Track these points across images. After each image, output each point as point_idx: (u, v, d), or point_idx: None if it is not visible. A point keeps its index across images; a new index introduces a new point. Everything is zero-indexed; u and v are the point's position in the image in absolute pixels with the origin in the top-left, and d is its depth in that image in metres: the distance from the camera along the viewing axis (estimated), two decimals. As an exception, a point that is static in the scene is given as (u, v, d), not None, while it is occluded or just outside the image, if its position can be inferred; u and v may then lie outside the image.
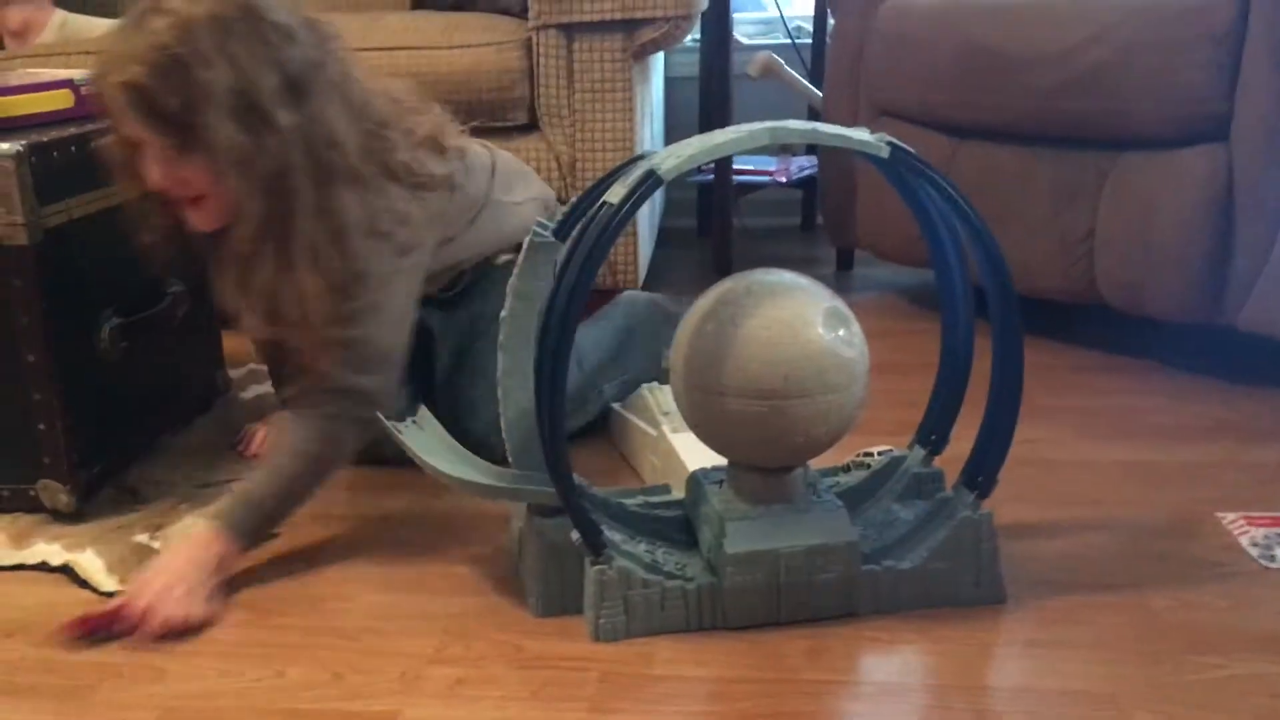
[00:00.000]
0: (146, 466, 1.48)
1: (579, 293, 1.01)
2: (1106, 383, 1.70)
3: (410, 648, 1.09)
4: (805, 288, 1.09)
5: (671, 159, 1.02)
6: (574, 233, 1.05)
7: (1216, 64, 1.55)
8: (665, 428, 1.39)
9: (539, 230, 1.09)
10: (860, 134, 1.04)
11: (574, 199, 1.10)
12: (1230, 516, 1.28)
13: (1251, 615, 1.09)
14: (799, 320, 1.06)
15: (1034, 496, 1.33)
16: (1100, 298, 1.74)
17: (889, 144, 1.03)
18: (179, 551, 1.18)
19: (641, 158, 1.05)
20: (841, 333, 1.07)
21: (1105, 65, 1.64)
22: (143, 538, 1.29)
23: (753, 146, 1.04)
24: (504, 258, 1.51)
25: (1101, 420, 1.56)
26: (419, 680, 1.03)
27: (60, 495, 1.32)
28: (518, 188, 1.53)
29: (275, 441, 1.33)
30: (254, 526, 1.22)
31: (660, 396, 1.47)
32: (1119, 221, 1.68)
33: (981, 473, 1.12)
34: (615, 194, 1.01)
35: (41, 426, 1.29)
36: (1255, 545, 1.22)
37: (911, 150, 1.04)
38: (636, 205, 1.00)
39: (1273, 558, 1.19)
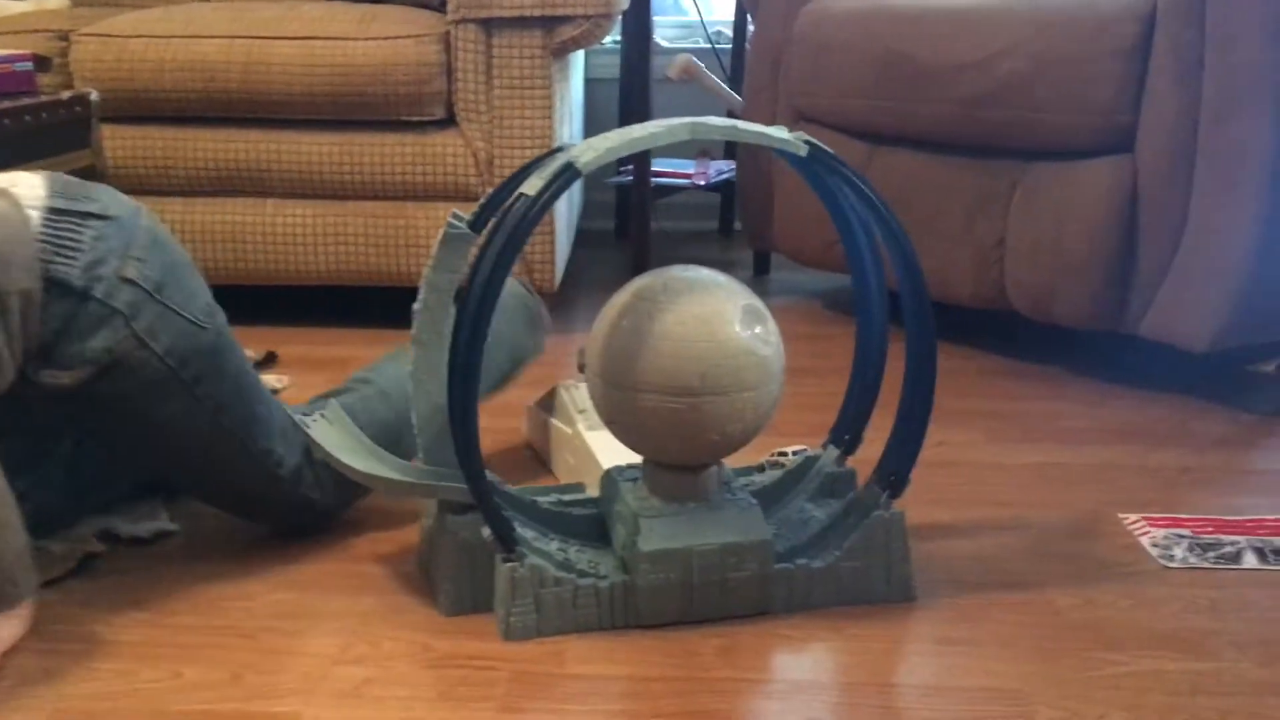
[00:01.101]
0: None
1: (494, 285, 0.99)
2: (1016, 388, 1.73)
3: (314, 647, 1.06)
4: (722, 285, 1.09)
5: (590, 152, 1.01)
6: (489, 225, 1.04)
7: (1123, 77, 1.59)
8: (580, 425, 1.38)
9: (453, 222, 1.07)
10: (779, 132, 1.04)
11: (489, 191, 1.08)
12: (1132, 518, 1.31)
13: (1152, 614, 1.11)
14: (716, 317, 1.06)
15: (944, 498, 1.35)
16: (1010, 304, 1.77)
17: (807, 143, 1.03)
18: None
19: (559, 150, 1.04)
20: (758, 330, 1.07)
21: (1018, 76, 1.67)
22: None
23: (671, 141, 1.03)
24: None
25: (1011, 424, 1.59)
26: (323, 680, 1.01)
27: None
28: None
29: None
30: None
31: (576, 394, 1.45)
32: (1029, 230, 1.72)
33: (893, 472, 1.13)
34: (532, 186, 1.00)
35: None
36: (1155, 545, 1.24)
37: (829, 150, 1.04)
38: (554, 197, 0.99)
39: (1171, 557, 1.22)
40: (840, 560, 1.11)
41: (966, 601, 1.13)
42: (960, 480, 1.40)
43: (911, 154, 1.86)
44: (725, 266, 1.12)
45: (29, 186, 1.03)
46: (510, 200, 1.02)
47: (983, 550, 1.24)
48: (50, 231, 1.00)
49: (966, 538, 1.26)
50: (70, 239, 1.01)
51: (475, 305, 0.99)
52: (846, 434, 1.24)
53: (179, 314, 1.06)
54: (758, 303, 1.09)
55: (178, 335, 1.06)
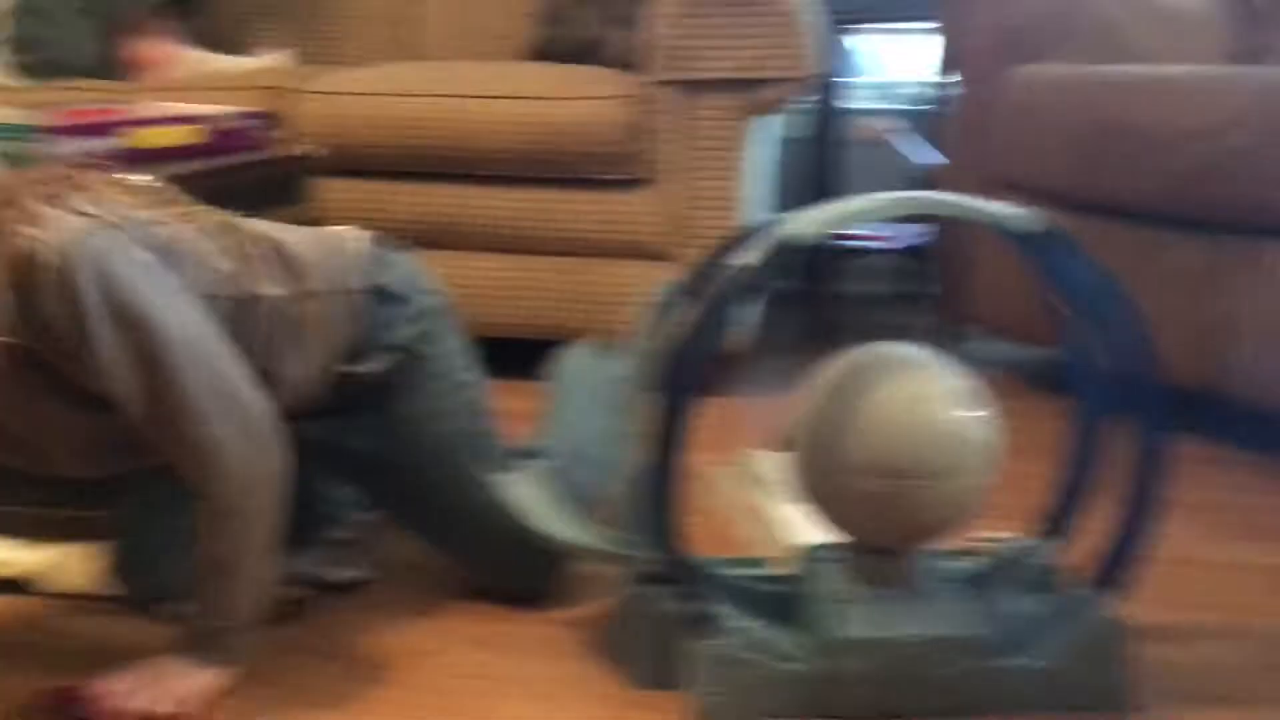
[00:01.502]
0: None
1: (701, 354, 0.97)
2: (1234, 479, 1.62)
3: (506, 711, 1.05)
4: (937, 364, 1.05)
5: (809, 224, 0.98)
6: (705, 294, 1.02)
7: (1367, 152, 1.48)
8: (765, 498, 1.35)
9: (665, 289, 1.06)
10: (1010, 210, 1.00)
11: (704, 259, 1.07)
12: (1375, 635, 1.20)
13: None
14: (929, 398, 1.02)
15: (1164, 599, 1.25)
16: (1232, 388, 1.66)
17: (1042, 221, 0.99)
18: (176, 674, 1.03)
19: (777, 221, 1.02)
20: (973, 413, 1.03)
21: (1244, 150, 1.58)
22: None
23: (892, 215, 1.00)
24: None
25: (1232, 519, 1.49)
26: (515, 748, 1.00)
27: None
28: None
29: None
30: (238, 641, 1.05)
31: (762, 464, 1.42)
32: (1255, 312, 1.61)
33: (1116, 570, 1.06)
34: (750, 257, 0.98)
35: None
36: (1407, 669, 1.13)
37: (1064, 229, 0.99)
38: (771, 270, 0.97)
39: None
40: (1054, 663, 1.05)
41: (1190, 716, 1.05)
42: (1179, 579, 1.31)
43: (1123, 227, 1.77)
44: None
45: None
46: (729, 270, 1.00)
47: (1207, 660, 1.15)
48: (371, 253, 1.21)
49: (1189, 645, 1.17)
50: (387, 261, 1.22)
51: (684, 373, 0.98)
52: (1057, 524, 1.17)
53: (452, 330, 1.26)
54: (973, 384, 1.05)
55: (451, 341, 1.25)
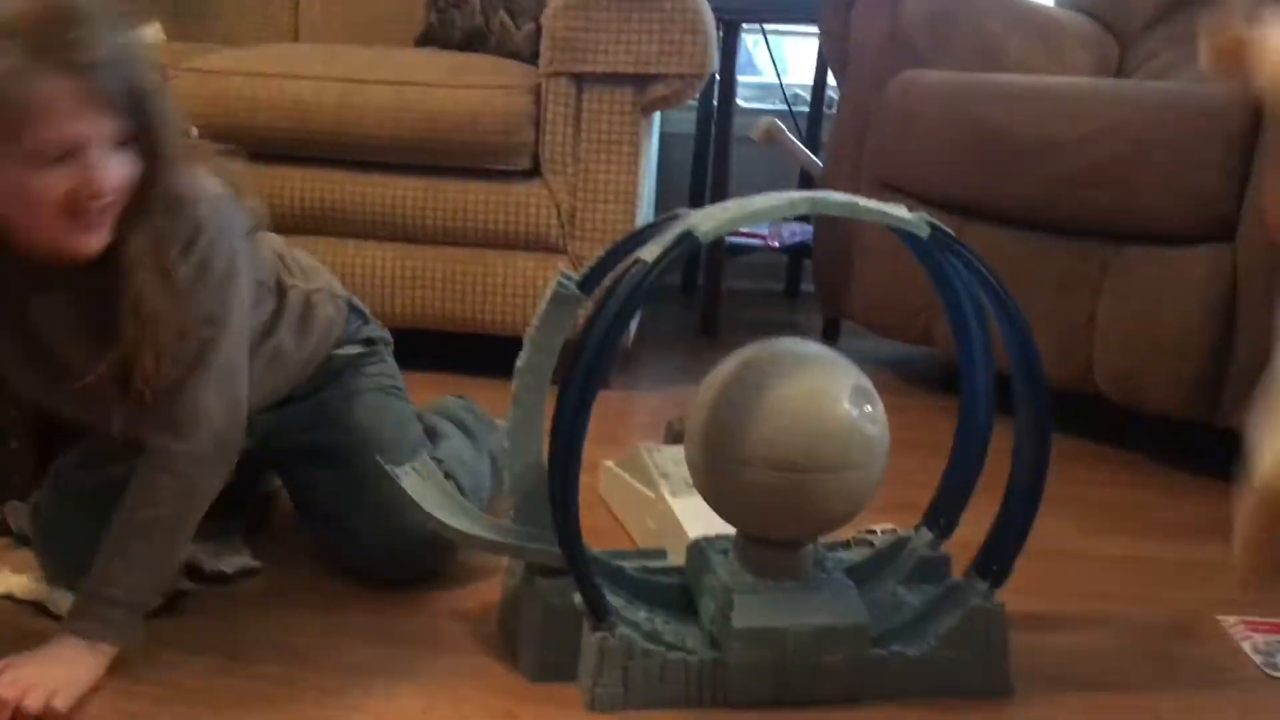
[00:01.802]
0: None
1: (607, 348, 0.98)
2: (1101, 474, 1.69)
3: (395, 706, 1.04)
4: (832, 360, 1.07)
5: (709, 221, 0.99)
6: (603, 288, 1.03)
7: (1227, 166, 1.56)
8: (664, 490, 1.36)
9: (564, 282, 1.06)
10: (900, 211, 1.02)
11: (600, 253, 1.07)
12: (1231, 620, 1.27)
13: (1262, 727, 1.07)
14: (824, 394, 1.04)
15: (1039, 588, 1.30)
16: (1096, 387, 1.74)
17: (929, 224, 1.01)
18: (53, 659, 1.02)
19: (675, 217, 1.03)
20: (867, 409, 1.05)
21: (1118, 158, 1.65)
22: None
23: (791, 214, 1.02)
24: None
25: (1099, 512, 1.55)
26: (406, 742, 0.99)
27: None
28: None
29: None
30: (126, 620, 1.05)
31: (658, 458, 1.43)
32: (1120, 314, 1.69)
33: (995, 561, 1.10)
34: (650, 252, 0.99)
35: None
36: (1258, 652, 1.20)
37: (950, 231, 1.02)
38: (671, 265, 0.98)
39: (1276, 666, 1.18)
40: (937, 650, 1.08)
41: (1066, 699, 1.09)
42: (1053, 570, 1.36)
43: (999, 230, 1.84)
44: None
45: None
46: (626, 265, 1.01)
47: (1081, 646, 1.20)
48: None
49: (1063, 632, 1.23)
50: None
51: (586, 368, 0.98)
52: (941, 516, 1.21)
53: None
54: (866, 381, 1.07)
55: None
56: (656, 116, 2.43)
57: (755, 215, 1.00)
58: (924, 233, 1.01)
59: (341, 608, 1.20)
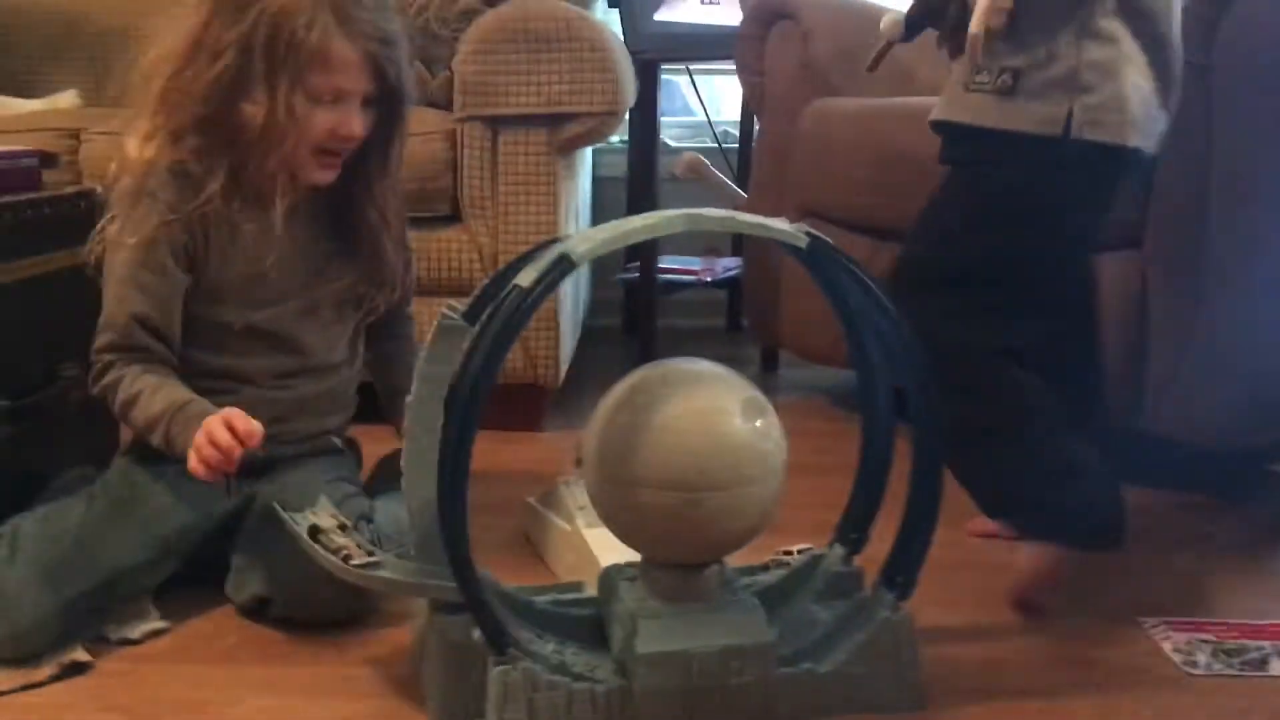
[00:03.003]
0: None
1: (485, 378, 0.97)
2: (1027, 486, 1.69)
3: (297, 755, 1.01)
4: (722, 377, 1.07)
5: (585, 243, 0.99)
6: (484, 316, 1.02)
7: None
8: (579, 522, 1.35)
9: (447, 313, 1.05)
10: (779, 224, 1.02)
11: (484, 281, 1.07)
12: (1152, 621, 1.26)
13: (1176, 724, 1.06)
14: (716, 410, 1.03)
15: (956, 599, 1.30)
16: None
17: (808, 234, 1.02)
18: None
19: (555, 241, 1.03)
20: (759, 424, 1.04)
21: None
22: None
23: (669, 232, 1.02)
24: None
25: (1022, 523, 1.54)
26: (304, 791, 0.96)
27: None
28: None
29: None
30: None
31: (576, 490, 1.42)
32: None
33: (901, 573, 1.09)
34: (526, 277, 0.98)
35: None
36: (1178, 651, 1.19)
37: (830, 241, 1.03)
38: (549, 289, 0.98)
39: (1195, 664, 1.17)
40: (846, 665, 1.07)
41: (980, 710, 1.08)
42: (971, 581, 1.36)
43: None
44: (733, 363, 1.10)
45: None
46: (505, 292, 1.00)
47: (997, 655, 1.19)
48: None
49: (980, 642, 1.22)
50: None
51: (465, 399, 0.97)
52: (853, 533, 1.20)
53: None
54: (759, 395, 1.07)
55: None
56: (588, 160, 2.46)
57: (632, 234, 1.00)
58: (802, 243, 1.01)
59: (246, 660, 1.18)
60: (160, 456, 1.25)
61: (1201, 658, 1.18)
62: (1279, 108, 1.45)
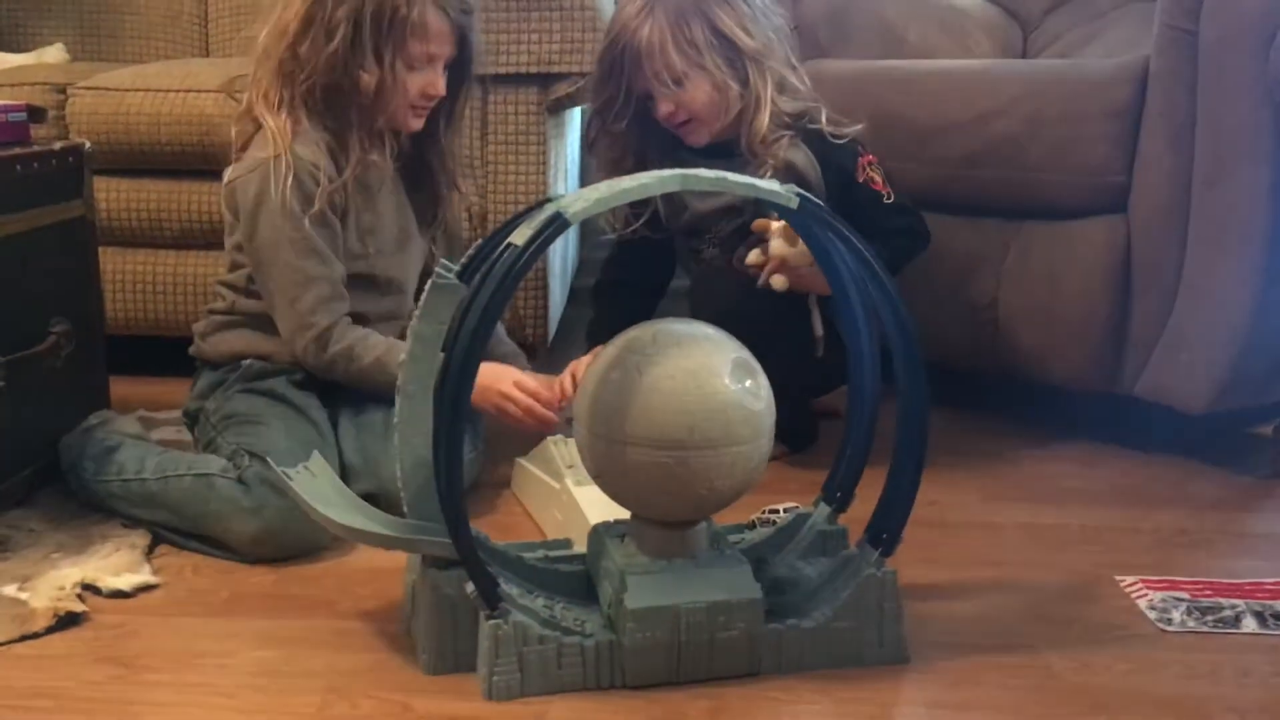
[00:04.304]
0: (18, 514, 1.40)
1: (480, 337, 0.98)
2: (1008, 447, 1.72)
3: (291, 706, 1.03)
4: (713, 338, 1.08)
5: (579, 202, 1.00)
6: (478, 276, 1.03)
7: (1115, 138, 1.59)
8: (568, 480, 1.36)
9: (441, 272, 1.06)
10: (770, 184, 1.03)
11: (479, 241, 1.07)
12: (1129, 580, 1.29)
13: (1150, 678, 1.09)
14: (705, 370, 1.05)
15: (938, 557, 1.33)
16: (1004, 365, 1.76)
17: (798, 195, 1.03)
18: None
19: (548, 201, 1.03)
20: (748, 384, 1.06)
21: (1011, 136, 1.68)
22: (9, 589, 1.21)
23: (662, 191, 1.02)
24: None
25: (1004, 483, 1.57)
26: (299, 740, 0.98)
27: (-78, 541, 1.24)
28: None
29: None
30: None
31: (564, 449, 1.43)
32: (1022, 290, 1.71)
33: (885, 531, 1.11)
34: (520, 236, 0.99)
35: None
36: (1153, 608, 1.22)
37: (820, 202, 1.04)
38: (542, 247, 0.98)
39: (1169, 621, 1.20)
40: (831, 620, 1.09)
41: (960, 664, 1.11)
42: (954, 540, 1.38)
43: (905, 213, 1.86)
44: None
45: None
46: (498, 251, 1.01)
47: (977, 612, 1.21)
48: None
49: (960, 599, 1.24)
50: None
51: (461, 357, 0.98)
52: (838, 491, 1.22)
53: None
54: (748, 356, 1.08)
55: None
56: (576, 119, 2.45)
57: (625, 194, 1.01)
58: (793, 204, 1.02)
59: (241, 614, 1.19)
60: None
61: (1176, 615, 1.21)
62: (1264, 71, 1.46)
